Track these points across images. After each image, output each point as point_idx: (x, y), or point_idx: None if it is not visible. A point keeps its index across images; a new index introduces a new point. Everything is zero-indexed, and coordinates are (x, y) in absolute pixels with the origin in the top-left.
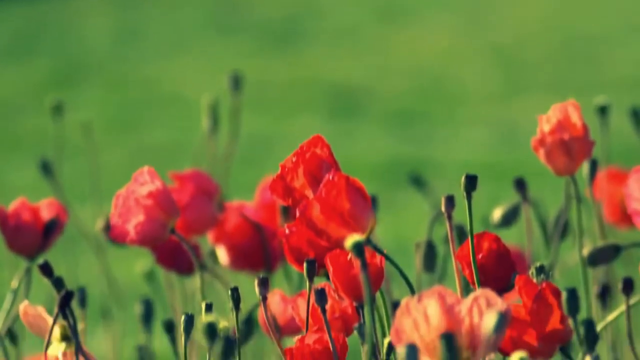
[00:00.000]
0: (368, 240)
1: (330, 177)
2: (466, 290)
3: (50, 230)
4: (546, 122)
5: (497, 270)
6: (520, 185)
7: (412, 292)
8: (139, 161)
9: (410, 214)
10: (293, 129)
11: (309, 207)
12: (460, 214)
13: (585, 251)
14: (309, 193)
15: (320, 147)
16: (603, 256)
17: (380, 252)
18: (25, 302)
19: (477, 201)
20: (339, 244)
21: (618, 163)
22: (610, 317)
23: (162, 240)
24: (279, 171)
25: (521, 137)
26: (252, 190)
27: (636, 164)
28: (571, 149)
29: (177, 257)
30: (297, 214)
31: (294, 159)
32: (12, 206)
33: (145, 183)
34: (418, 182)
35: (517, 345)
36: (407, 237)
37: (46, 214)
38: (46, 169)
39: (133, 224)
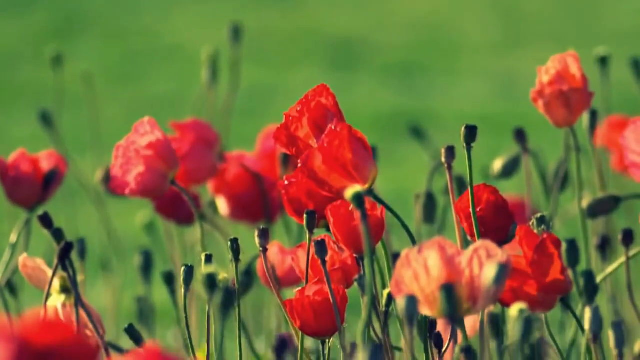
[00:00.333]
0: (370, 191)
1: (333, 127)
2: (466, 242)
3: (50, 181)
4: (545, 74)
5: (496, 222)
6: (520, 135)
7: (413, 242)
8: (139, 112)
9: (410, 165)
10: (293, 81)
11: (311, 158)
12: (460, 165)
13: (585, 202)
14: (313, 143)
15: (326, 96)
16: (602, 207)
17: (382, 202)
18: (24, 255)
19: (477, 152)
20: (340, 194)
21: (619, 114)
22: (610, 268)
23: (163, 191)
24: (283, 120)
25: (520, 89)
26: (252, 142)
27: (637, 114)
28: (570, 100)
29: (177, 206)
30: (299, 164)
31: (298, 108)
32: (11, 157)
33: (145, 134)
34: (417, 133)
35: (517, 296)
36: (407, 188)
37: (46, 165)
38: (46, 120)
39: (133, 175)
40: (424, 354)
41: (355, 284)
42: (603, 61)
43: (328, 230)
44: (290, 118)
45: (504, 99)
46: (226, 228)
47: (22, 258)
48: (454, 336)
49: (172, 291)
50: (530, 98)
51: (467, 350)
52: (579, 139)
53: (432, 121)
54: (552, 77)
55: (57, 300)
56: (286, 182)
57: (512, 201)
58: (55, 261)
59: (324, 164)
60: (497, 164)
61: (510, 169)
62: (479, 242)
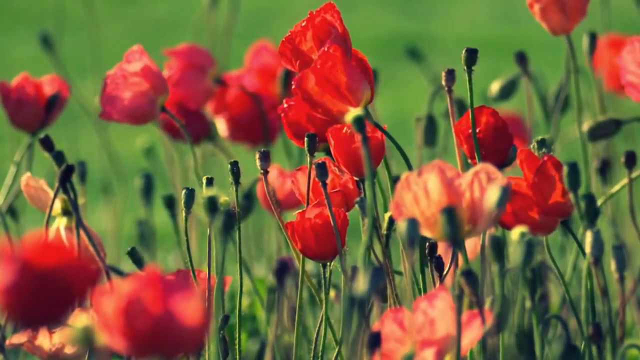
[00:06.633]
0: (365, 114)
1: (326, 49)
2: (466, 164)
3: (53, 106)
4: None
5: (495, 144)
6: (521, 58)
7: (409, 167)
8: (140, 35)
9: (411, 88)
10: (293, 4)
11: (305, 79)
12: (460, 89)
13: (586, 126)
14: (316, 57)
15: (331, 13)
16: (603, 131)
17: (377, 125)
18: (27, 174)
19: (477, 75)
20: (333, 116)
21: (616, 33)
22: (612, 190)
23: (152, 117)
24: (288, 35)
25: (520, 12)
26: None
27: (636, 35)
28: (566, 5)
29: (190, 125)
30: (294, 85)
31: (303, 24)
32: (14, 81)
33: (134, 61)
34: (415, 54)
35: (518, 218)
36: (407, 111)
37: (49, 90)
38: (47, 43)
39: (120, 100)
40: (423, 276)
41: (357, 206)
42: None
43: (328, 153)
44: (295, 32)
45: (505, 22)
46: (229, 150)
47: (25, 177)
48: (454, 259)
49: (173, 214)
50: (528, 18)
51: (468, 273)
52: (578, 61)
53: (432, 44)
54: None
55: (58, 223)
56: (285, 106)
57: (512, 117)
58: (56, 184)
59: (317, 85)
60: (495, 86)
61: (507, 91)
62: (479, 165)
